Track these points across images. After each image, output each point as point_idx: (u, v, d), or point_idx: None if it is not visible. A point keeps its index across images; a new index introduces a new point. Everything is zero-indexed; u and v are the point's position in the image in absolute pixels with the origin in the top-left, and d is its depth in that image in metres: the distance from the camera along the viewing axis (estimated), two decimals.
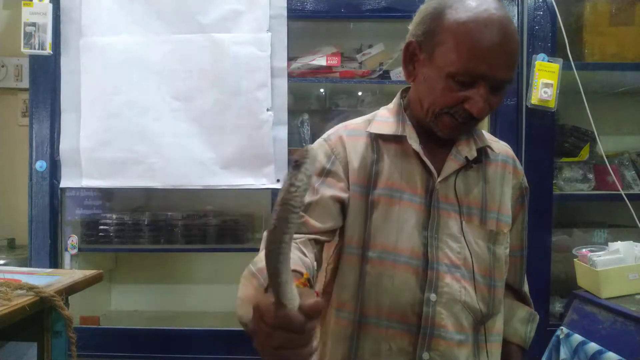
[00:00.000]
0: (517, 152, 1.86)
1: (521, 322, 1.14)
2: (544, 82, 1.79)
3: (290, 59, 1.96)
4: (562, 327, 1.59)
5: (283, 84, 1.91)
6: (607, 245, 1.64)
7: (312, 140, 2.09)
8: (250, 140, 1.90)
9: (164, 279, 2.38)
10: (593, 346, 1.44)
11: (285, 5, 1.90)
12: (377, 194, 1.00)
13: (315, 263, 0.96)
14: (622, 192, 1.83)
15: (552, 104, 1.81)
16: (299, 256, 0.91)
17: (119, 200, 2.34)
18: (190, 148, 1.91)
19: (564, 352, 1.54)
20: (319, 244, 1.00)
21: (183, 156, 1.91)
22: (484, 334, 1.02)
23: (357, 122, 1.08)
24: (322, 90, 2.29)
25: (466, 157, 0.99)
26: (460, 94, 0.91)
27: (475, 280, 0.98)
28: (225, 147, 1.91)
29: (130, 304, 2.39)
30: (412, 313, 0.96)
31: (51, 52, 1.88)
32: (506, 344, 1.10)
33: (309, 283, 0.84)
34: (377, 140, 1.03)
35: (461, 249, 0.98)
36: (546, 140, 1.87)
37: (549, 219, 1.87)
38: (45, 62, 1.92)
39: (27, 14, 1.85)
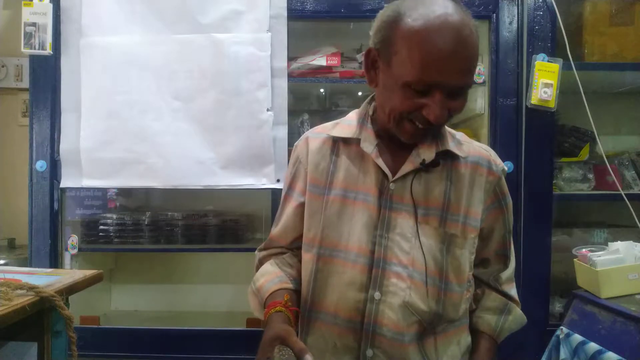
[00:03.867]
0: (517, 152, 1.87)
1: (492, 310, 1.10)
2: (544, 82, 1.79)
3: (290, 59, 1.96)
4: (561, 327, 1.59)
5: (283, 84, 1.91)
6: (607, 245, 1.64)
7: None
8: (250, 140, 1.90)
9: (164, 279, 2.38)
10: (593, 346, 1.44)
11: (285, 5, 1.90)
12: (332, 194, 1.04)
13: (300, 269, 1.08)
14: (622, 192, 1.83)
15: (552, 104, 1.81)
16: (287, 272, 1.07)
17: (120, 201, 2.35)
18: (191, 148, 1.91)
19: (563, 352, 1.54)
20: (299, 249, 1.10)
21: (183, 156, 1.91)
22: (433, 335, 1.00)
23: (325, 125, 1.13)
24: (322, 90, 2.29)
25: (423, 160, 1.00)
26: (417, 101, 0.91)
27: (426, 282, 0.98)
28: (225, 147, 1.91)
29: (130, 304, 2.39)
30: (357, 310, 0.99)
31: (51, 52, 1.88)
32: (475, 333, 1.09)
33: (291, 302, 0.98)
34: (337, 143, 1.08)
35: (411, 249, 0.98)
36: (546, 140, 1.87)
37: (549, 219, 1.87)
38: (45, 62, 1.92)
39: (27, 14, 1.85)
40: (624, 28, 1.94)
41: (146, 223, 2.16)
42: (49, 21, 1.86)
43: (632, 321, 1.39)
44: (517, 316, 1.11)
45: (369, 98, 1.11)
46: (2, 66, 2.30)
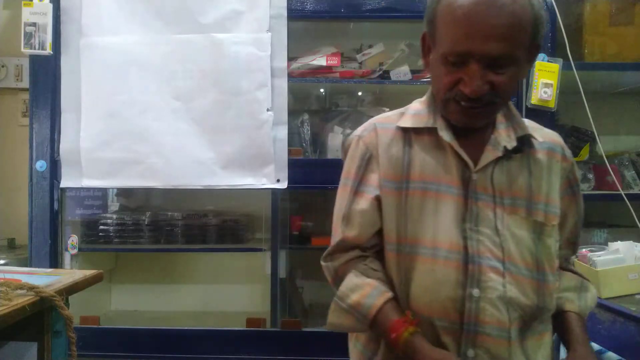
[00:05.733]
0: None
1: (572, 290, 1.05)
2: (544, 82, 1.79)
3: (290, 59, 1.96)
4: None
5: (283, 84, 1.91)
6: (607, 245, 1.64)
7: (312, 140, 2.10)
8: (250, 140, 1.90)
9: (164, 279, 2.38)
10: (593, 346, 1.44)
11: (285, 5, 1.90)
12: (411, 188, 0.97)
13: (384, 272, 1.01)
14: (622, 192, 1.83)
15: (552, 104, 1.81)
16: (379, 278, 0.97)
17: (120, 201, 2.35)
18: (190, 148, 1.91)
19: (564, 352, 1.54)
20: (379, 250, 1.02)
21: (183, 156, 1.91)
22: (534, 330, 0.96)
23: (389, 115, 1.06)
24: (322, 90, 2.29)
25: (505, 147, 0.95)
26: (455, 76, 0.89)
27: (521, 275, 0.93)
28: (225, 147, 1.91)
29: (130, 304, 2.39)
30: (454, 310, 0.92)
31: (51, 52, 1.88)
32: (560, 314, 1.03)
33: (413, 315, 0.92)
34: (409, 133, 1.01)
35: (503, 242, 0.93)
36: None
37: None
38: (45, 62, 1.92)
39: (27, 14, 1.85)
40: (624, 28, 1.94)
41: (146, 223, 2.17)
42: (49, 21, 1.86)
43: (632, 321, 1.39)
44: (593, 294, 1.08)
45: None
46: (2, 66, 2.30)
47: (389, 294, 0.96)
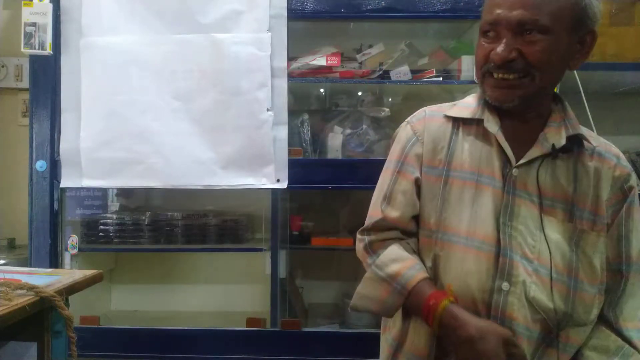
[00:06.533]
0: None
1: (598, 350, 0.94)
2: None
3: (290, 59, 1.96)
4: None
5: (283, 84, 1.91)
6: None
7: (312, 140, 2.10)
8: (250, 140, 1.90)
9: (164, 279, 2.38)
10: None
11: (285, 5, 1.90)
12: (451, 176, 0.99)
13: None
14: None
15: None
16: (418, 259, 0.99)
17: (120, 200, 2.35)
18: (191, 148, 1.91)
19: None
20: (415, 234, 1.03)
21: (183, 156, 1.91)
22: (558, 339, 0.92)
23: (442, 105, 1.09)
24: (322, 90, 2.29)
25: (553, 145, 0.94)
26: (488, 48, 0.94)
27: (548, 277, 0.91)
28: (225, 147, 1.91)
29: (130, 304, 2.39)
30: (482, 301, 0.92)
31: (51, 52, 1.88)
32: None
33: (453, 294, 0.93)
34: (458, 123, 1.03)
35: (537, 242, 0.92)
36: None
37: None
38: (45, 62, 1.92)
39: (27, 14, 1.85)
40: (624, 28, 1.94)
41: (146, 223, 2.17)
42: (49, 21, 1.85)
43: None
44: None
45: None
46: (2, 66, 2.30)
47: (427, 275, 0.96)
